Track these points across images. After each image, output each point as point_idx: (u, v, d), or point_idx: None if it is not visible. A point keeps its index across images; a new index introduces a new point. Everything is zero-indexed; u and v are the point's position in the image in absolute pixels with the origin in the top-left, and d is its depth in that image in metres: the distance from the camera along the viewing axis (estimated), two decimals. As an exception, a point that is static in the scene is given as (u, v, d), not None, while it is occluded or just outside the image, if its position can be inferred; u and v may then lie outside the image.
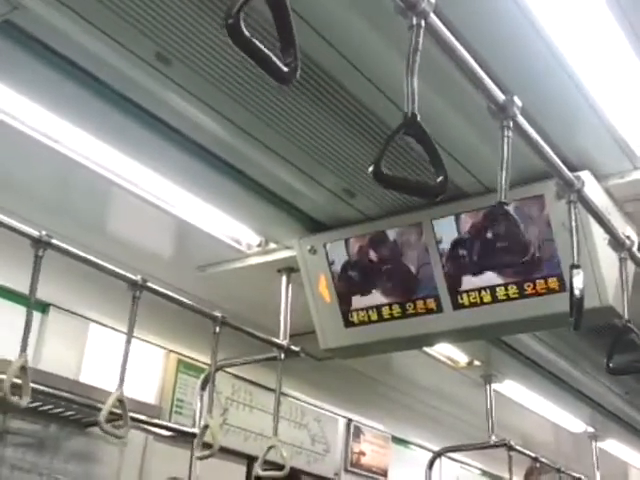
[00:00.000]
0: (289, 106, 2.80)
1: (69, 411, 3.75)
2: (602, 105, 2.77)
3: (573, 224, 2.39)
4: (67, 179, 3.44)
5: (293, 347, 3.83)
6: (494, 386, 5.68)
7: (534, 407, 6.30)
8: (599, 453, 7.07)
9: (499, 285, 3.30)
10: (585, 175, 2.81)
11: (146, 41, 2.46)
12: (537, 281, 3.21)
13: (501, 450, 5.60)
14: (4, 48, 2.47)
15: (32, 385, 2.73)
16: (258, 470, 3.61)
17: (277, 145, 3.05)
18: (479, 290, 3.35)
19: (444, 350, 5.22)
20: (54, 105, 2.82)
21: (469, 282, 3.37)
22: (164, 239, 4.07)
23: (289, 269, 3.95)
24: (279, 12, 1.31)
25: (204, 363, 4.43)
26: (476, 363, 5.47)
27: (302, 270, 3.76)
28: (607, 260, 3.00)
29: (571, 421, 6.72)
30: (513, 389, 5.92)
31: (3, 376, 2.54)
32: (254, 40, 1.26)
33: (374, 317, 3.60)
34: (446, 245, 3.38)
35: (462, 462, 7.63)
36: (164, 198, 3.47)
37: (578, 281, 2.28)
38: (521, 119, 2.03)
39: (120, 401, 2.97)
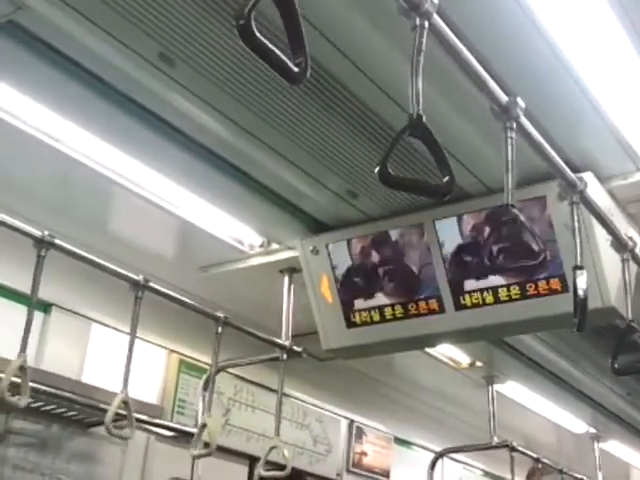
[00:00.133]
0: (292, 107, 2.80)
1: (71, 411, 3.74)
2: (605, 106, 2.77)
3: (576, 225, 2.39)
4: (70, 179, 3.45)
5: (295, 348, 3.83)
6: (496, 387, 5.68)
7: (536, 408, 6.30)
8: (601, 454, 7.05)
9: (501, 286, 3.30)
10: (588, 176, 2.81)
11: (150, 42, 2.46)
12: (539, 282, 3.21)
13: (503, 451, 5.60)
14: (8, 48, 2.47)
15: (35, 385, 2.74)
16: (260, 470, 3.62)
17: (280, 146, 3.05)
18: (481, 291, 3.35)
19: (446, 351, 5.22)
20: (57, 105, 2.83)
21: (471, 283, 3.37)
22: (167, 239, 4.08)
23: (291, 270, 3.95)
24: (287, 12, 1.32)
25: (206, 363, 4.43)
26: (478, 364, 5.47)
27: (304, 271, 3.76)
28: (610, 261, 3.00)
29: (573, 422, 6.71)
30: (515, 390, 5.92)
31: (2, 375, 2.54)
32: (265, 41, 1.26)
33: (376, 318, 3.60)
34: (448, 246, 3.38)
35: (464, 463, 7.62)
36: (167, 198, 3.47)
37: (582, 282, 2.28)
38: (524, 120, 2.03)
39: (125, 402, 2.98)
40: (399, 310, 3.55)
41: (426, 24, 1.63)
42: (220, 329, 3.49)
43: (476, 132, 2.88)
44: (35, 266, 2.77)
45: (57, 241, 2.83)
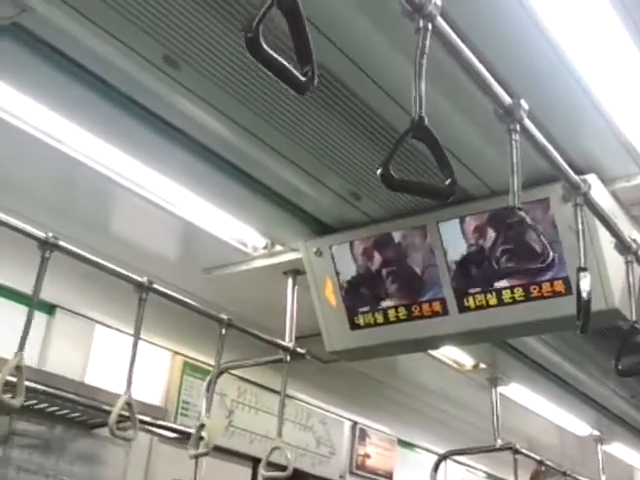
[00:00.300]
0: (296, 109, 2.80)
1: (75, 413, 3.75)
2: (608, 108, 2.77)
3: (579, 227, 2.39)
4: (73, 181, 3.45)
5: (299, 349, 3.82)
6: (500, 389, 5.67)
7: (540, 410, 6.28)
8: (604, 456, 7.04)
9: (505, 288, 3.29)
10: (591, 178, 2.81)
11: (154, 44, 2.47)
12: (543, 284, 3.20)
13: (506, 453, 5.58)
14: (12, 50, 2.48)
15: (38, 386, 2.74)
16: (262, 471, 3.61)
17: (283, 147, 3.05)
18: (485, 293, 3.34)
19: (450, 353, 5.21)
20: (61, 107, 2.83)
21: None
22: (170, 241, 4.08)
23: (295, 271, 3.94)
24: (295, 23, 1.31)
25: (210, 365, 4.42)
26: (482, 366, 5.46)
27: (308, 272, 3.76)
28: (613, 263, 3.00)
29: (576, 424, 6.70)
30: (519, 392, 5.91)
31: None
32: (273, 53, 1.26)
33: (380, 320, 3.60)
34: (451, 248, 3.38)
35: (467, 465, 7.61)
36: (170, 200, 3.47)
37: (585, 284, 2.28)
38: (528, 122, 2.03)
39: (128, 404, 2.98)
40: (403, 312, 3.55)
41: (430, 26, 1.62)
42: (224, 331, 3.49)
43: (479, 134, 2.88)
44: (39, 267, 2.77)
45: (62, 243, 2.82)
